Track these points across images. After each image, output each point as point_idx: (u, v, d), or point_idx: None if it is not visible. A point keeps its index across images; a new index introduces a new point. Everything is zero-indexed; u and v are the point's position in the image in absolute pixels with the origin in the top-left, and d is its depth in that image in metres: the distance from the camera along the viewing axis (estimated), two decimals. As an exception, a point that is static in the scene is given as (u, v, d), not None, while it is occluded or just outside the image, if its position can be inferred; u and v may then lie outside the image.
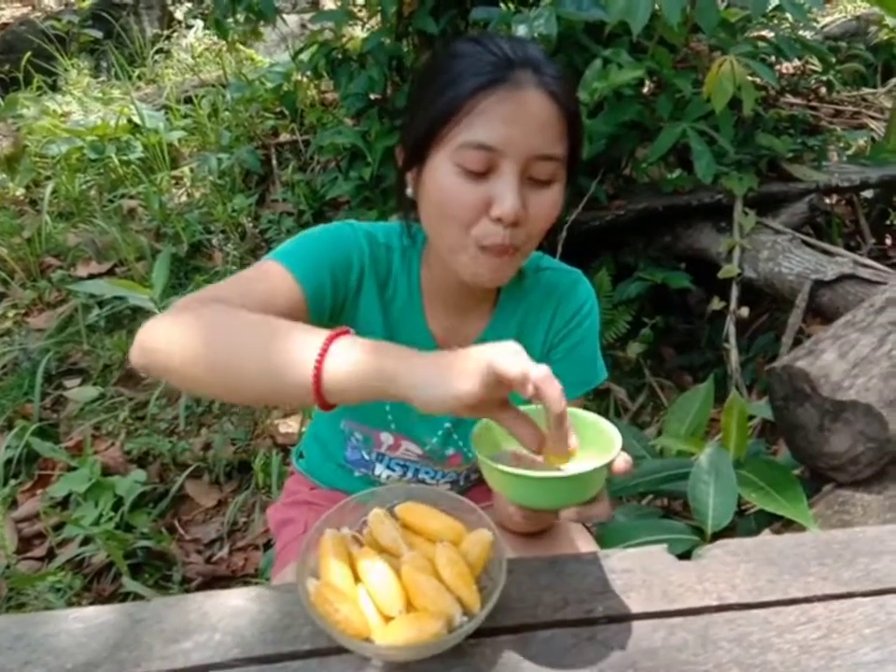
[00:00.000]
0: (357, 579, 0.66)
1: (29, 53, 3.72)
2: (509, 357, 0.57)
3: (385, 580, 0.64)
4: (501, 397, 0.61)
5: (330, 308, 0.85)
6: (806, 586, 0.73)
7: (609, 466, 0.63)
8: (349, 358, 0.61)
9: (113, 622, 0.69)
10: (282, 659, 0.65)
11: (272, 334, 0.65)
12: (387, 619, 0.63)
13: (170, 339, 0.68)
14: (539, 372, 0.57)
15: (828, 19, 3.52)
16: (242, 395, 0.71)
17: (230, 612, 0.70)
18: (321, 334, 0.63)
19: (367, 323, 0.90)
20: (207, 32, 4.06)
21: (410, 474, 1.03)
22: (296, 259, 0.81)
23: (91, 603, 1.54)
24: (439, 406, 0.58)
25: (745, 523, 1.25)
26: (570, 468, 0.64)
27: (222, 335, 0.67)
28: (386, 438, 0.99)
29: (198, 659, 0.65)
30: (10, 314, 2.46)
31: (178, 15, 4.53)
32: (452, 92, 0.75)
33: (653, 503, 1.53)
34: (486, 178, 0.76)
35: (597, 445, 0.66)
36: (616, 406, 1.99)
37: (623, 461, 0.64)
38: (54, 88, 3.74)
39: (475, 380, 0.57)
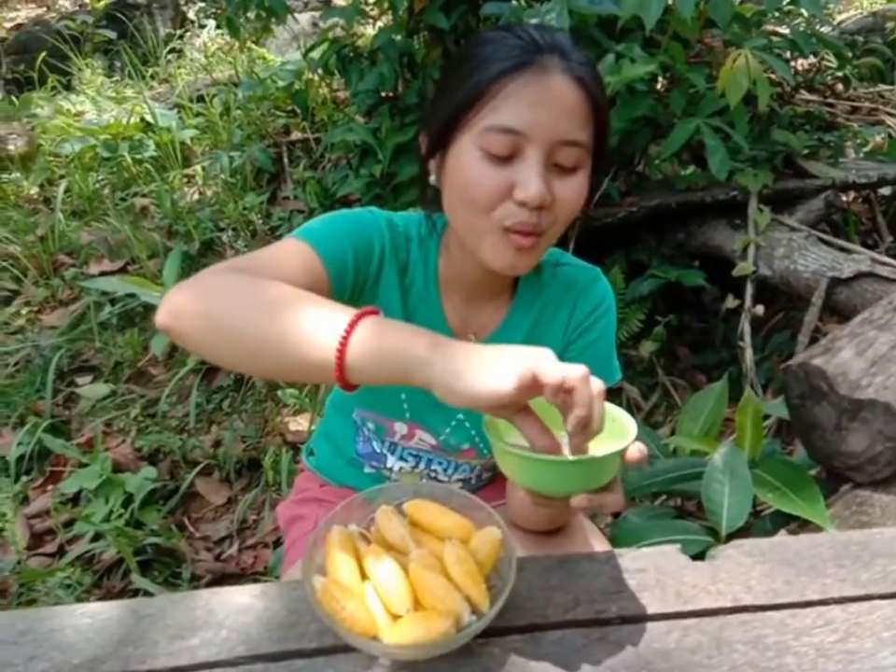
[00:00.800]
0: (364, 576, 0.65)
1: (44, 53, 3.74)
2: (549, 362, 0.58)
3: (393, 577, 0.63)
4: (526, 400, 0.61)
5: (351, 288, 0.84)
6: (823, 588, 0.72)
7: (622, 454, 0.63)
8: (376, 340, 0.61)
9: (118, 617, 0.69)
10: (288, 657, 0.64)
11: (298, 307, 0.64)
12: (395, 617, 0.62)
13: (196, 304, 0.67)
14: (577, 373, 0.57)
15: (843, 15, 3.47)
16: (262, 367, 0.70)
17: (236, 609, 0.69)
18: (348, 311, 0.63)
19: (386, 308, 0.89)
20: (220, 31, 4.07)
21: (422, 465, 1.02)
22: (319, 237, 0.80)
23: (101, 599, 1.54)
24: (468, 399, 0.58)
25: (760, 523, 1.23)
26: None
27: (249, 304, 0.66)
28: (400, 427, 0.98)
29: (204, 656, 0.64)
30: (23, 311, 2.47)
31: (191, 15, 4.55)
32: (478, 77, 0.74)
33: (666, 503, 1.51)
34: (511, 163, 0.75)
35: (612, 434, 0.65)
36: (629, 405, 1.97)
37: (636, 450, 0.63)
38: (68, 87, 3.77)
39: (513, 380, 0.56)
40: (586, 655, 0.64)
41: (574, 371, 0.57)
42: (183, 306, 0.68)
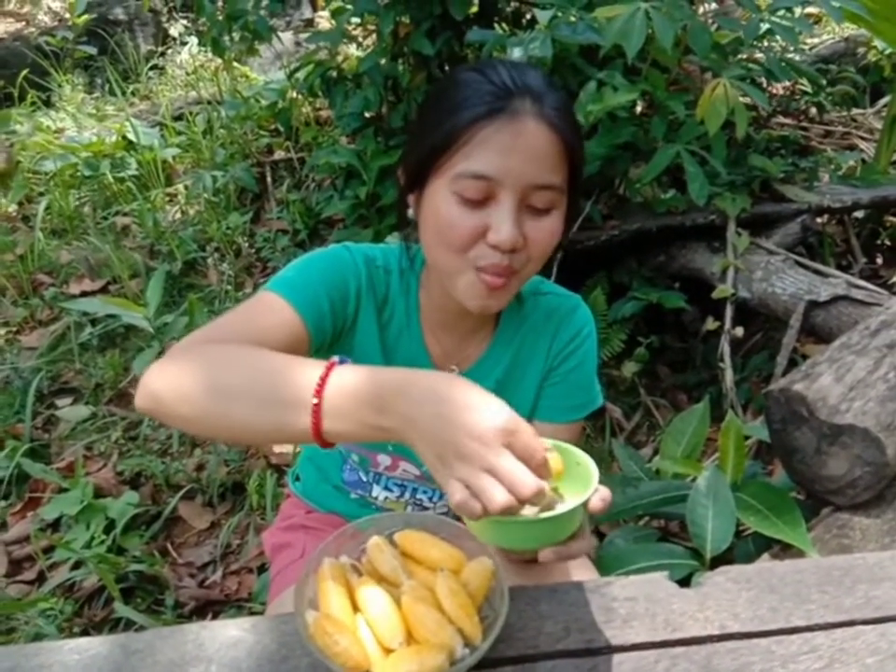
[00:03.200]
0: (356, 608, 0.65)
1: (26, 71, 3.71)
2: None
3: (385, 610, 0.64)
4: None
5: (331, 334, 0.85)
6: (808, 614, 0.73)
7: (584, 505, 0.63)
8: (348, 414, 0.61)
9: (107, 653, 0.68)
10: (280, 693, 0.64)
11: (270, 381, 0.65)
12: (387, 651, 0.62)
13: (171, 386, 0.68)
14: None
15: (816, 40, 3.56)
16: (245, 441, 0.72)
17: (226, 643, 0.69)
18: (315, 373, 0.62)
19: (363, 346, 0.90)
20: (202, 49, 4.07)
21: (408, 494, 1.03)
22: (295, 289, 0.82)
23: (83, 629, 1.51)
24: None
25: (742, 545, 1.25)
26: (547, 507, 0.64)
27: (222, 383, 0.67)
28: (384, 459, 0.98)
29: (194, 693, 0.64)
30: (2, 332, 2.43)
31: (173, 32, 4.54)
32: (451, 123, 0.76)
33: (650, 524, 1.52)
34: (484, 206, 0.76)
35: (577, 478, 0.66)
36: (612, 425, 1.98)
37: (599, 500, 0.63)
38: (48, 104, 3.73)
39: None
40: (578, 686, 0.65)
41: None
42: (162, 391, 0.69)
